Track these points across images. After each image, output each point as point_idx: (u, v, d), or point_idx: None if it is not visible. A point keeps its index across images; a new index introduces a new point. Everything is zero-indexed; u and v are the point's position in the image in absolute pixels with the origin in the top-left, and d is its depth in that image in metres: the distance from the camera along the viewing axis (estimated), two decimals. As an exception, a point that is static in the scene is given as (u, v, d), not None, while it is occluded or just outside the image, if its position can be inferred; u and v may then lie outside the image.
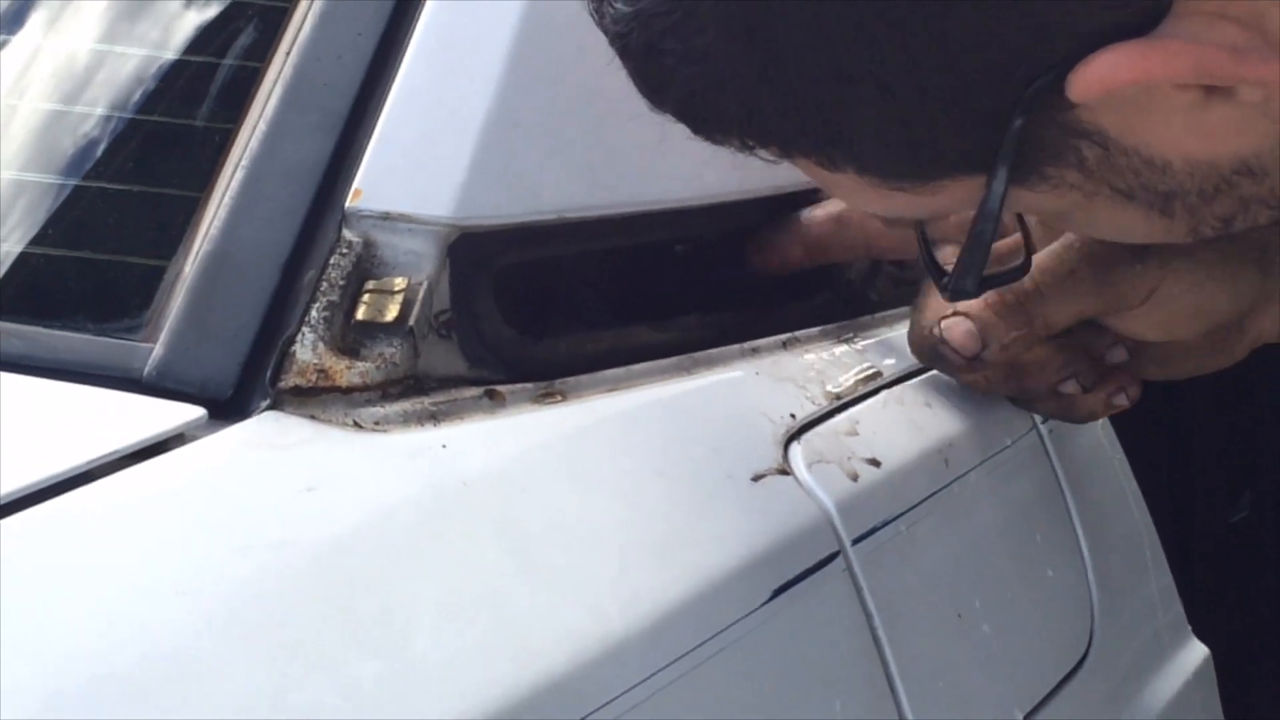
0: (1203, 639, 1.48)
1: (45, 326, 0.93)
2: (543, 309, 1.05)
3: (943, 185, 0.88)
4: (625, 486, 0.94)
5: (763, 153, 0.91)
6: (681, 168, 1.10)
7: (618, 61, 1.06)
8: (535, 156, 1.01)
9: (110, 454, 0.83)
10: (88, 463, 0.82)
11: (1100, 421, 1.31)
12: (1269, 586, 2.47)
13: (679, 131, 1.10)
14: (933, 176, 0.87)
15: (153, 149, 1.02)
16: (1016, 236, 1.03)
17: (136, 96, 1.03)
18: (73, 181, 1.01)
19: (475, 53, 1.01)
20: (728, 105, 0.87)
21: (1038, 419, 1.22)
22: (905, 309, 1.26)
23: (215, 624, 0.76)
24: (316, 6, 1.02)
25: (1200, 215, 0.89)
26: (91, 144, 1.02)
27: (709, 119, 0.89)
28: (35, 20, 1.07)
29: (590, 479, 0.94)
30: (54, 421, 0.87)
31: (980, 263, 0.91)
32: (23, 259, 0.97)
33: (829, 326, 1.18)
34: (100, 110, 1.02)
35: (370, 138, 0.98)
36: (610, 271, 1.10)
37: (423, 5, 1.02)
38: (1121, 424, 2.52)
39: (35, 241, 0.98)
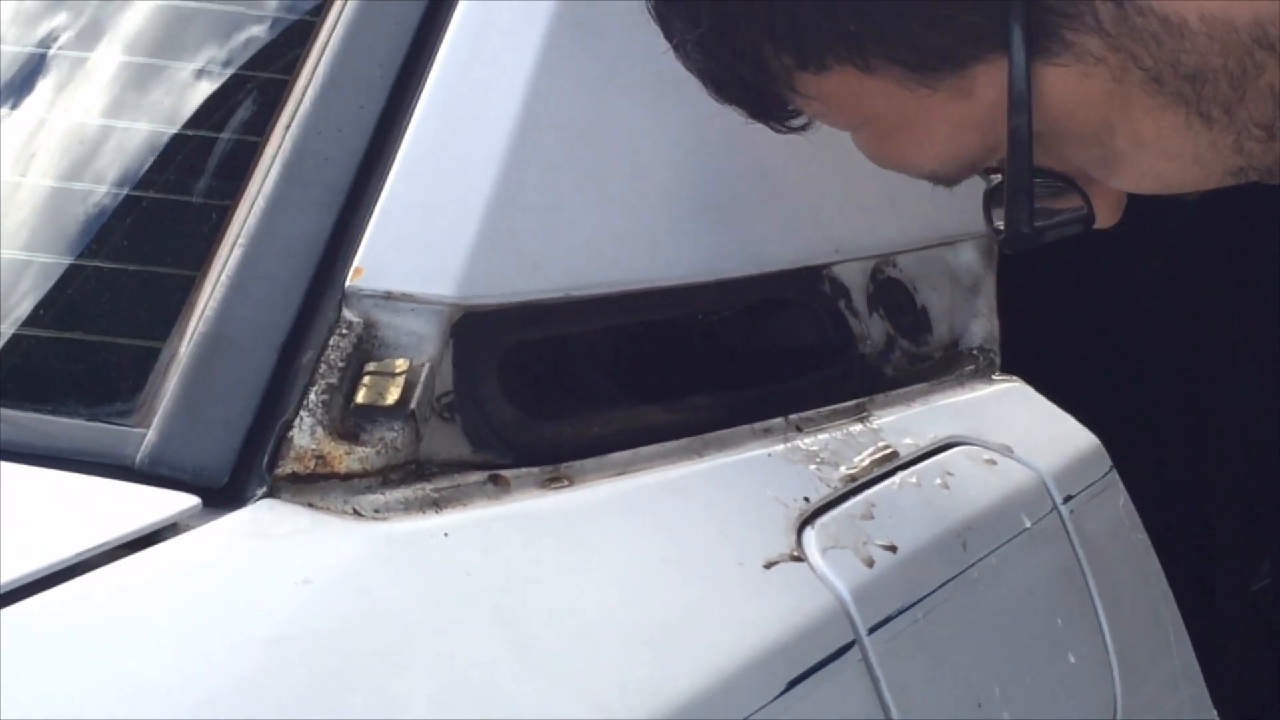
0: (1227, 714, 1.44)
1: (35, 411, 0.90)
2: (549, 389, 1.02)
3: (973, 75, 0.88)
4: (632, 575, 0.91)
5: (798, 78, 0.90)
6: (689, 245, 1.07)
7: (624, 132, 1.04)
8: (541, 233, 0.99)
9: (100, 546, 0.80)
10: (76, 556, 0.79)
11: (1121, 499, 1.28)
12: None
13: (686, 208, 1.07)
14: (961, 60, 0.88)
15: (148, 226, 0.99)
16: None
17: (132, 172, 1.01)
18: (65, 260, 0.98)
19: (480, 127, 0.99)
20: (758, 13, 0.89)
21: (1057, 498, 1.19)
22: (923, 385, 1.23)
23: (204, 725, 0.73)
24: (318, 79, 1.00)
25: (1239, 120, 0.89)
26: (86, 221, 0.99)
27: (740, 36, 0.91)
28: (28, 95, 1.04)
29: (596, 568, 0.91)
30: (43, 512, 0.84)
31: (1026, 183, 0.91)
32: (13, 340, 0.95)
33: (844, 404, 1.15)
34: (95, 186, 1.00)
35: (372, 214, 0.95)
36: (618, 350, 1.08)
37: (427, 77, 1.00)
38: (1141, 493, 2.49)
39: (26, 323, 0.96)
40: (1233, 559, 2.54)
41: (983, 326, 1.30)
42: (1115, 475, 1.27)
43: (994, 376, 1.28)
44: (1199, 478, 2.42)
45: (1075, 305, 2.34)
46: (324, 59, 1.00)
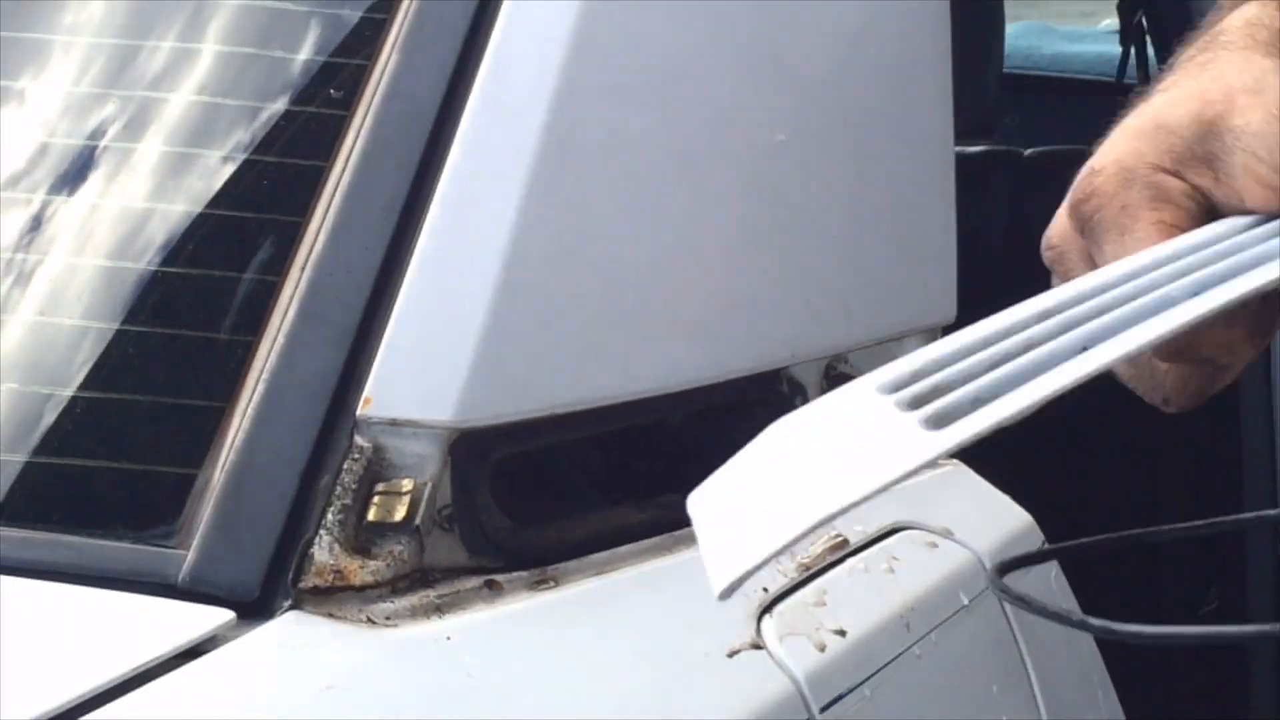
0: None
1: (87, 536, 1.03)
2: (536, 497, 1.15)
3: None
4: (611, 669, 1.04)
5: None
6: (658, 358, 1.20)
7: (601, 258, 1.17)
8: (527, 360, 1.12)
9: (153, 660, 0.93)
10: (133, 670, 0.92)
11: (1052, 569, 1.41)
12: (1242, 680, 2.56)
13: (655, 324, 1.20)
14: None
15: (181, 362, 1.12)
16: None
17: (162, 309, 1.13)
18: (108, 395, 1.11)
19: (472, 264, 1.11)
20: None
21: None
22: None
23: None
24: (328, 222, 1.12)
25: None
26: (123, 358, 1.12)
27: None
28: (53, 235, 1.16)
29: (579, 663, 1.04)
30: (99, 630, 0.97)
31: None
32: (66, 470, 1.07)
33: (799, 496, 1.27)
34: (129, 325, 1.12)
35: (378, 348, 1.08)
36: (597, 458, 1.21)
37: (424, 220, 1.12)
38: (1094, 523, 2.61)
39: (76, 454, 1.08)
40: (1181, 585, 2.67)
41: (927, 413, 1.42)
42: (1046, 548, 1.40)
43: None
44: (1149, 508, 2.55)
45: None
46: (333, 203, 1.13)
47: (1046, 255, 0.89)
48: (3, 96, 1.23)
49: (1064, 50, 3.45)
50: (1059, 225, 0.86)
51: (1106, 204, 0.80)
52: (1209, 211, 0.76)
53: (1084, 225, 0.85)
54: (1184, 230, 0.77)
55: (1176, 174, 0.77)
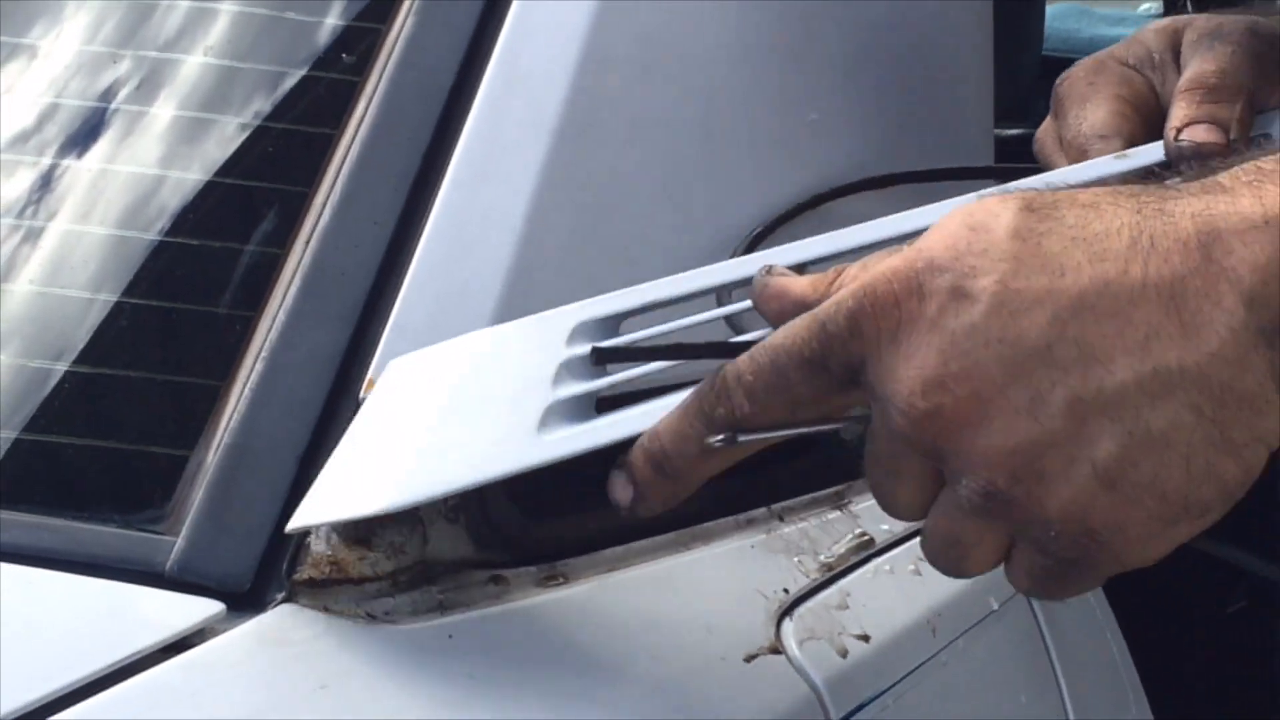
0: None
1: (71, 519, 0.97)
2: (548, 487, 1.09)
3: None
4: (622, 672, 0.99)
5: None
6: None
7: (620, 239, 1.12)
8: (541, 343, 1.06)
9: (136, 653, 0.88)
10: (115, 663, 0.87)
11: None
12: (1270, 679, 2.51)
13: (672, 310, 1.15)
14: None
15: (177, 337, 1.07)
16: None
17: (158, 282, 1.08)
18: (97, 370, 1.05)
19: (486, 243, 1.06)
20: None
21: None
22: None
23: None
24: (335, 194, 1.07)
25: None
26: (114, 331, 1.06)
27: None
28: (53, 204, 1.11)
29: (589, 665, 0.98)
30: (81, 620, 0.91)
31: None
32: (49, 449, 1.02)
33: (823, 492, 1.22)
34: (122, 297, 1.07)
35: (384, 328, 1.03)
36: (613, 447, 1.15)
37: (436, 194, 1.07)
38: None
39: (60, 431, 1.03)
40: (1210, 583, 2.62)
41: (958, 407, 1.37)
42: (1080, 551, 1.35)
43: (968, 456, 1.35)
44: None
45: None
46: (342, 173, 1.08)
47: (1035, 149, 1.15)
48: (4, 55, 1.18)
49: (1103, 33, 3.40)
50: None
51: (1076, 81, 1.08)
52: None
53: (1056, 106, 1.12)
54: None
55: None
